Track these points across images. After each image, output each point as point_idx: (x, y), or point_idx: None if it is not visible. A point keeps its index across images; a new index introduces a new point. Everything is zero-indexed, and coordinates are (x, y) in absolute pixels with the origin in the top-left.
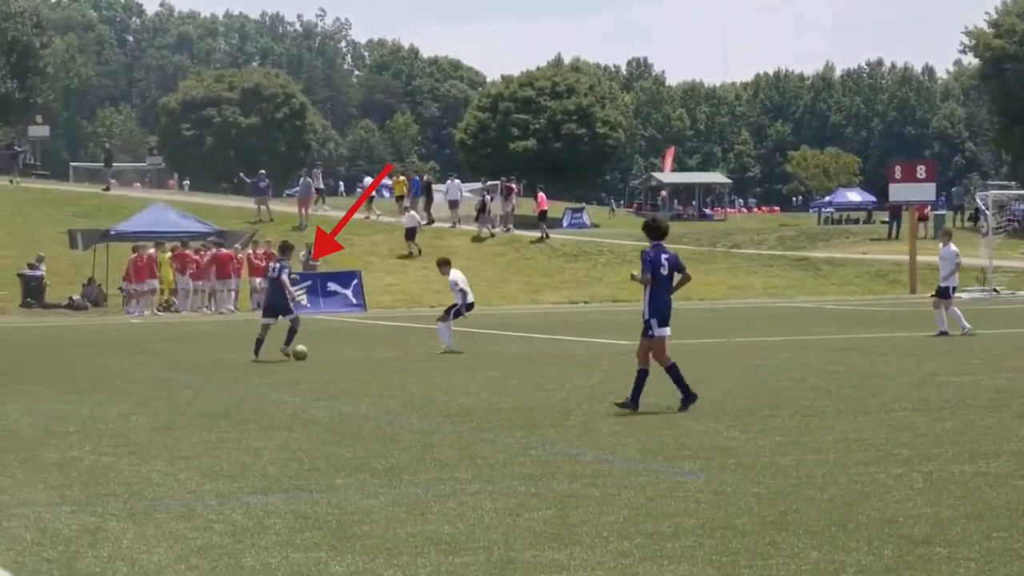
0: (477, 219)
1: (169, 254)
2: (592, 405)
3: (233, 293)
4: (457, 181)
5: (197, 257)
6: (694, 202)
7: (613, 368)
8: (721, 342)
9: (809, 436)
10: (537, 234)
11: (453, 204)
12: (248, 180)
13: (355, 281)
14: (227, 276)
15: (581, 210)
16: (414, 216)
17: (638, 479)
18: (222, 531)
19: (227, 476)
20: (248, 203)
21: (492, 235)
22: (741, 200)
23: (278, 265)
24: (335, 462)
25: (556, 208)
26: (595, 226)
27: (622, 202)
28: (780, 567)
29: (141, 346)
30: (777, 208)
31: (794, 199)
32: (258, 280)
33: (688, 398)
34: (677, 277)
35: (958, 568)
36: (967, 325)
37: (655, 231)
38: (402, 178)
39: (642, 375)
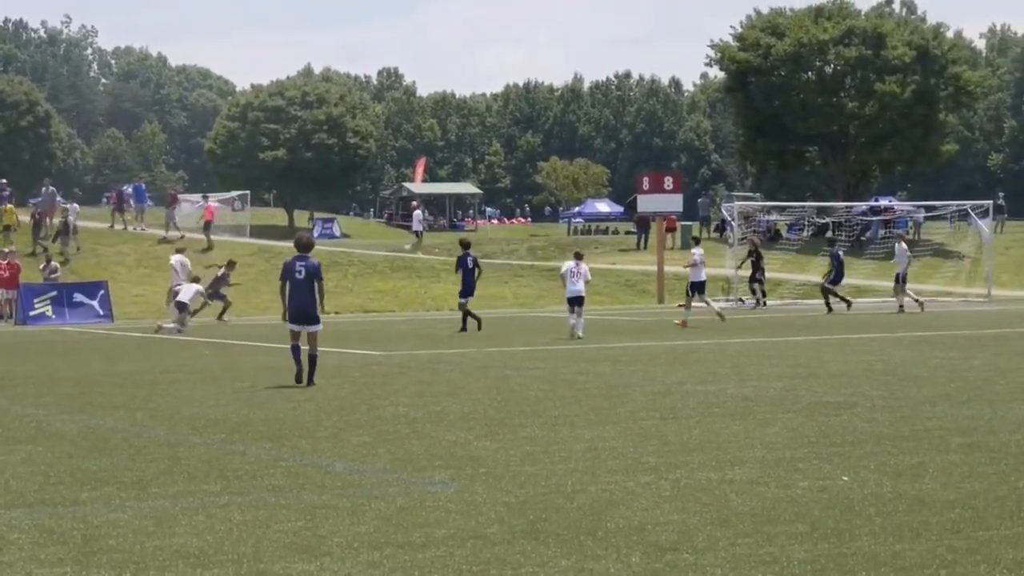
0: (56, 239)
1: None
2: (343, 416)
3: None
4: (75, 205)
5: None
6: (464, 212)
7: (364, 378)
8: (471, 352)
9: (559, 445)
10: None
11: (64, 229)
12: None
13: (101, 292)
14: None
15: (331, 220)
16: None
17: (389, 489)
18: None
19: None
20: None
21: (69, 258)
22: (495, 210)
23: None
24: (80, 476)
25: (305, 218)
26: (345, 236)
27: (370, 210)
28: None
29: None
30: (528, 219)
31: (546, 209)
32: (0, 291)
33: (300, 381)
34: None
35: (704, 574)
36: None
37: (302, 245)
38: (9, 206)
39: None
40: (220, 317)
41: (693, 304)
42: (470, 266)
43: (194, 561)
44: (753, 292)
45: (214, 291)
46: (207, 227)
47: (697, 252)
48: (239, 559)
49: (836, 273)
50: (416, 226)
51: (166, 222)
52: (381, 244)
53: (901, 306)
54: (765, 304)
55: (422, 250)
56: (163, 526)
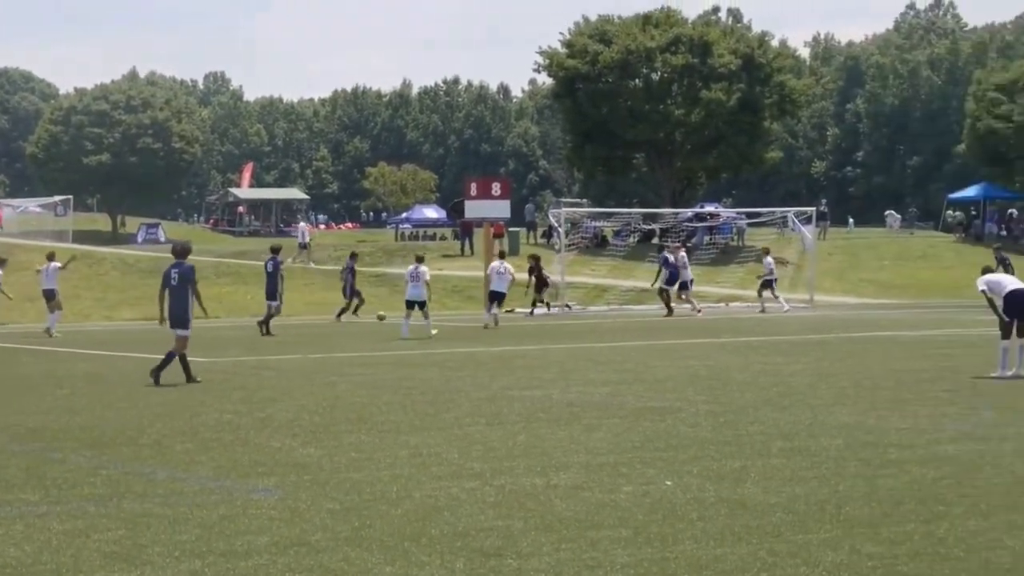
0: None
1: None
2: (166, 423)
3: None
4: None
5: None
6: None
7: (188, 385)
8: (297, 358)
9: (384, 452)
10: (115, 250)
11: None
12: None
13: None
14: None
15: (156, 226)
16: None
17: (211, 497)
18: None
19: None
20: None
21: None
22: (323, 216)
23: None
24: None
25: (131, 223)
26: (171, 242)
27: (199, 216)
28: None
29: None
30: (357, 224)
31: (368, 215)
32: None
33: (189, 379)
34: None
35: None
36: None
37: (177, 252)
38: None
39: (169, 356)
40: (355, 312)
41: (494, 311)
42: (269, 270)
43: (11, 572)
44: (537, 303)
45: (348, 286)
46: None
47: (496, 264)
48: (58, 569)
49: (669, 275)
50: (301, 238)
51: None
52: (208, 250)
53: (671, 310)
54: (548, 310)
55: (313, 260)
56: None
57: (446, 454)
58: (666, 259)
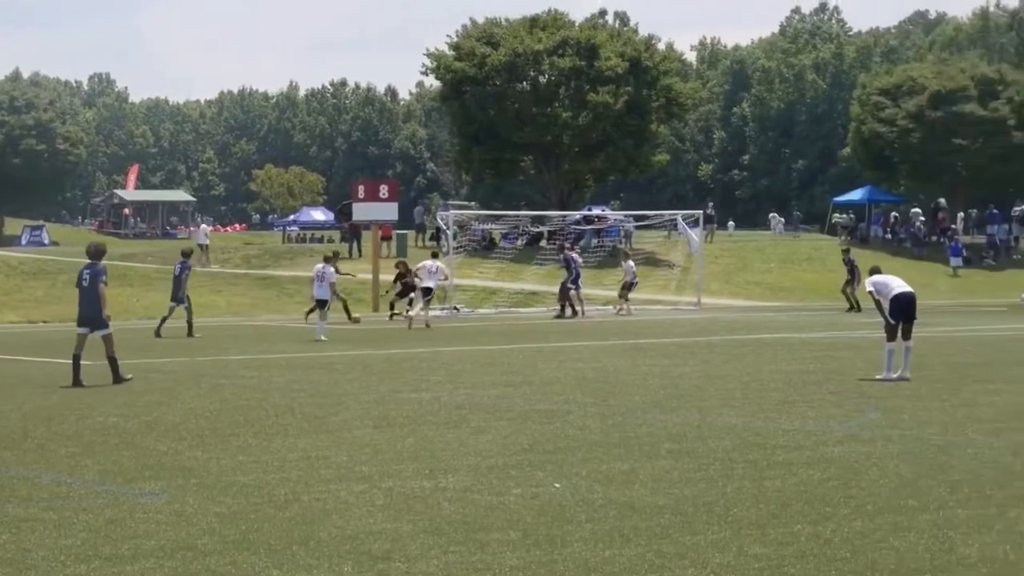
0: None
1: None
2: (51, 427)
3: None
4: None
5: None
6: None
7: (73, 388)
8: (185, 360)
9: (271, 455)
10: None
11: None
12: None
13: None
14: None
15: (40, 228)
16: None
17: (97, 501)
18: None
19: None
20: None
21: None
22: (209, 218)
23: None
24: None
25: (14, 225)
26: (54, 244)
27: (84, 219)
28: None
29: None
30: (245, 226)
31: (256, 217)
32: None
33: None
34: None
35: None
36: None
37: (91, 253)
38: None
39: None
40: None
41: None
42: (176, 273)
43: None
44: (394, 309)
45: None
46: None
47: (428, 263)
48: None
49: (576, 274)
50: (202, 239)
51: None
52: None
53: (576, 311)
54: (404, 316)
55: (209, 263)
56: None
57: (334, 457)
58: (571, 258)
